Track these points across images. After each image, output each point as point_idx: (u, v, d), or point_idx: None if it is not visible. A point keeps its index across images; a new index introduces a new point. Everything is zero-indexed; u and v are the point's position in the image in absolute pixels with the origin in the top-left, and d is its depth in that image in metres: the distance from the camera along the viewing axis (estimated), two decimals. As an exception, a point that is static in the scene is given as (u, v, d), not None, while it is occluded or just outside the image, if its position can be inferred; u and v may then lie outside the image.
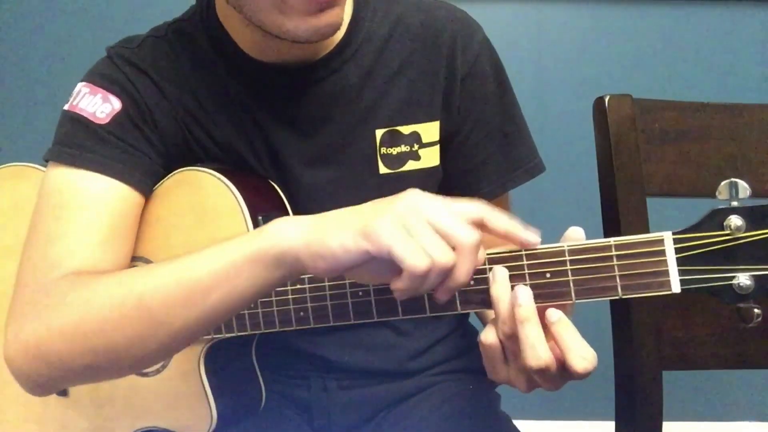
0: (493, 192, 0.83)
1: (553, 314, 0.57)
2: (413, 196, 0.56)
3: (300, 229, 0.57)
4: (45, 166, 0.77)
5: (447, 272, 0.53)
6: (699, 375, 1.09)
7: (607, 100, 0.88)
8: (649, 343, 0.85)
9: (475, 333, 0.93)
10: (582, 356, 0.55)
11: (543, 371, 0.55)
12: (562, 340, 0.56)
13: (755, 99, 0.92)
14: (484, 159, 0.83)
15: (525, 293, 0.57)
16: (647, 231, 0.86)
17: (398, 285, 0.54)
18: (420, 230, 0.53)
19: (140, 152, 0.76)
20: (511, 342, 0.57)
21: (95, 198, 0.72)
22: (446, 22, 0.80)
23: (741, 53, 1.76)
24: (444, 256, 0.52)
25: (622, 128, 0.87)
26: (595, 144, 0.90)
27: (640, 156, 0.87)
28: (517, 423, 0.84)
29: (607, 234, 0.89)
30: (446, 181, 0.84)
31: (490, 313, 0.60)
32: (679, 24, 1.76)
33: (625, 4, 1.76)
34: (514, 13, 1.77)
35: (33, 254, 0.71)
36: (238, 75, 0.78)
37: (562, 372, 0.56)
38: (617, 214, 0.86)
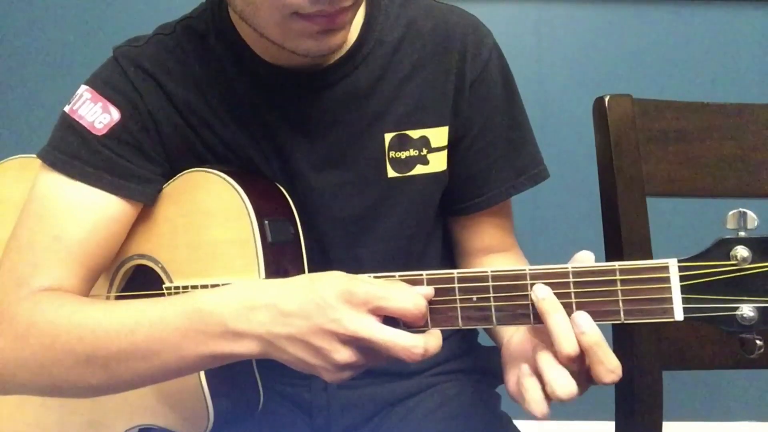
0: (496, 198, 0.83)
1: (582, 323, 0.57)
2: (329, 313, 0.59)
3: (253, 348, 0.62)
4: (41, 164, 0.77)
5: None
6: (699, 375, 1.09)
7: (607, 100, 0.88)
8: (649, 343, 0.85)
9: (475, 334, 0.93)
10: (611, 369, 0.56)
11: (612, 383, 0.57)
12: (592, 352, 0.57)
13: (755, 99, 0.92)
14: (488, 165, 0.83)
15: (542, 289, 0.58)
16: (647, 232, 0.86)
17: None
18: (356, 363, 0.60)
19: (134, 164, 0.76)
20: (572, 360, 0.57)
21: (76, 210, 0.73)
22: (457, 27, 0.80)
23: (741, 53, 1.76)
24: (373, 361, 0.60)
25: (622, 128, 0.87)
26: (595, 144, 0.90)
27: (640, 156, 0.87)
28: (517, 423, 0.84)
29: (607, 234, 0.89)
30: (452, 184, 0.84)
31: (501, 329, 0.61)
32: (679, 24, 1.76)
33: (625, 4, 1.76)
34: (514, 13, 1.77)
35: (6, 263, 0.73)
36: (247, 75, 0.78)
37: (586, 381, 0.58)
38: (617, 214, 0.86)
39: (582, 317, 0.56)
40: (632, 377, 0.85)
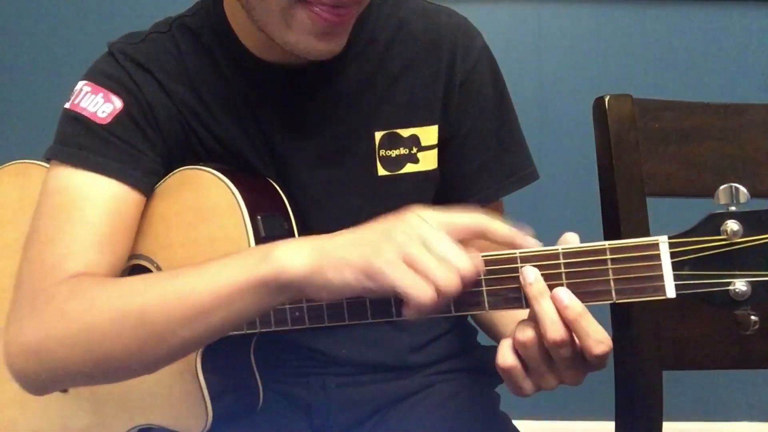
0: (486, 198, 0.83)
1: (564, 297, 0.57)
2: (412, 220, 0.57)
3: (304, 259, 0.57)
4: (49, 163, 0.77)
5: (451, 297, 0.55)
6: (699, 375, 1.08)
7: (607, 100, 0.88)
8: (649, 343, 0.85)
9: (474, 332, 0.93)
10: (598, 340, 0.56)
11: (604, 354, 0.56)
12: (577, 325, 0.56)
13: (755, 99, 0.92)
14: (479, 165, 0.83)
15: (531, 272, 0.57)
16: (647, 231, 0.86)
17: (407, 312, 0.56)
18: (422, 261, 0.54)
19: (141, 152, 0.76)
20: (559, 346, 0.57)
21: (94, 199, 0.73)
22: (447, 28, 0.81)
23: (741, 53, 1.76)
24: (448, 285, 0.54)
25: (622, 128, 0.87)
26: (595, 144, 0.90)
27: (640, 156, 0.87)
28: (517, 423, 0.84)
29: (607, 234, 0.89)
30: (443, 185, 0.84)
31: (501, 326, 0.61)
32: (679, 24, 1.75)
33: (625, 4, 1.75)
34: (514, 14, 1.77)
35: (32, 256, 0.72)
36: (241, 72, 0.78)
37: (583, 363, 0.58)
38: (617, 214, 0.86)
39: (562, 292, 0.57)
40: (632, 377, 0.85)
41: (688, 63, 1.76)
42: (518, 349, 0.59)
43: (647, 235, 0.85)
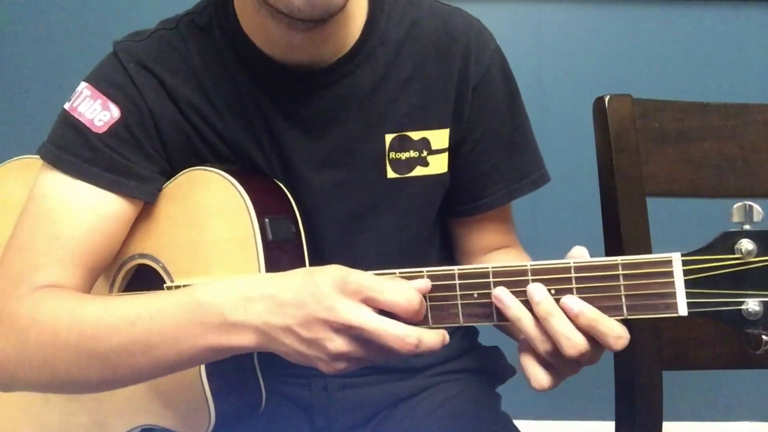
0: (497, 201, 0.83)
1: (574, 306, 0.57)
2: (336, 306, 0.58)
3: (252, 340, 0.62)
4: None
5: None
6: (699, 375, 1.08)
7: (607, 100, 0.88)
8: (649, 343, 0.85)
9: (476, 334, 0.93)
10: (617, 336, 0.56)
11: (583, 356, 0.56)
12: (594, 330, 0.56)
13: (755, 99, 0.92)
14: (490, 168, 0.83)
15: (538, 290, 0.57)
16: (647, 232, 0.86)
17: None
18: (357, 359, 0.60)
19: (134, 163, 0.75)
20: (557, 356, 0.57)
21: (78, 208, 0.73)
22: (461, 30, 0.80)
23: (741, 53, 1.76)
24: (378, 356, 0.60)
25: (622, 128, 0.87)
26: (595, 144, 0.90)
27: (640, 156, 0.87)
28: (517, 423, 0.84)
29: (607, 234, 0.89)
30: (452, 188, 0.84)
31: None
32: (679, 24, 1.75)
33: (625, 4, 1.75)
34: (514, 13, 1.77)
35: (5, 262, 0.73)
36: (249, 70, 0.77)
37: (597, 348, 0.58)
38: (617, 214, 0.86)
39: (571, 300, 0.57)
40: (632, 377, 0.85)
41: (688, 63, 1.76)
42: (544, 354, 0.58)
43: (647, 235, 0.86)
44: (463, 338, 0.90)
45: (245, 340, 0.62)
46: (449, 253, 0.91)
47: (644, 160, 0.87)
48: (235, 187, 0.73)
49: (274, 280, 0.62)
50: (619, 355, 0.89)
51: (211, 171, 0.75)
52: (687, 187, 0.88)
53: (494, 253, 0.87)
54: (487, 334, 0.88)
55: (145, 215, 0.78)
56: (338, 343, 0.58)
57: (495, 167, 0.83)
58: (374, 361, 0.60)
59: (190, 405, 0.75)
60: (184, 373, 0.75)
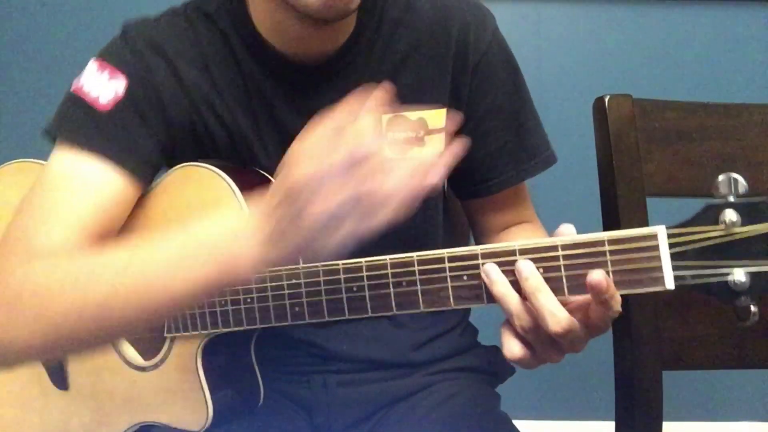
0: (509, 181, 0.83)
1: (524, 269, 0.57)
2: (298, 185, 0.54)
3: (258, 269, 0.58)
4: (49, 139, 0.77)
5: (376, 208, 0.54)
6: (699, 375, 1.08)
7: (607, 100, 0.88)
8: (649, 343, 0.85)
9: (475, 332, 0.93)
10: (555, 319, 0.56)
11: (567, 334, 0.56)
12: (534, 298, 0.56)
13: (755, 99, 0.92)
14: (498, 147, 0.82)
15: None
16: (647, 231, 0.86)
17: None
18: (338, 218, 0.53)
19: (139, 140, 0.76)
20: (534, 334, 0.57)
21: (87, 182, 0.73)
22: (458, 8, 0.80)
23: (741, 53, 1.76)
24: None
25: (622, 128, 0.87)
26: (594, 144, 0.90)
27: (640, 156, 0.87)
28: (517, 423, 0.84)
29: (607, 234, 0.89)
30: (462, 169, 0.82)
31: None
32: (679, 24, 1.75)
33: (625, 4, 1.75)
34: (514, 13, 1.77)
35: (8, 232, 0.72)
36: (256, 62, 0.78)
37: (585, 331, 0.57)
38: (617, 214, 0.86)
39: (523, 264, 0.57)
40: (632, 377, 0.85)
41: (688, 63, 1.76)
42: (521, 331, 0.58)
43: (647, 234, 0.86)
44: (462, 336, 0.90)
45: (249, 251, 0.57)
46: (451, 239, 0.90)
47: (644, 160, 0.87)
48: (227, 182, 0.73)
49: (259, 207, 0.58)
50: (619, 355, 0.89)
51: (203, 167, 0.75)
52: (687, 187, 0.88)
53: (512, 229, 0.87)
54: (488, 334, 0.88)
55: (138, 212, 0.78)
56: (316, 203, 0.53)
57: (503, 146, 0.82)
58: (362, 198, 0.54)
59: (188, 401, 0.75)
60: (182, 369, 0.75)
